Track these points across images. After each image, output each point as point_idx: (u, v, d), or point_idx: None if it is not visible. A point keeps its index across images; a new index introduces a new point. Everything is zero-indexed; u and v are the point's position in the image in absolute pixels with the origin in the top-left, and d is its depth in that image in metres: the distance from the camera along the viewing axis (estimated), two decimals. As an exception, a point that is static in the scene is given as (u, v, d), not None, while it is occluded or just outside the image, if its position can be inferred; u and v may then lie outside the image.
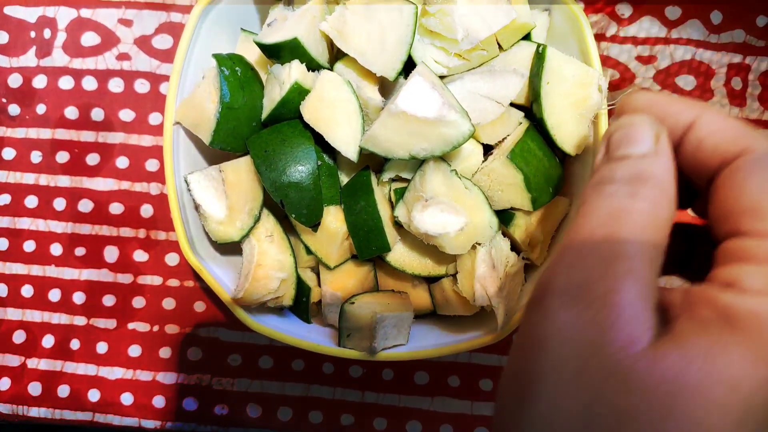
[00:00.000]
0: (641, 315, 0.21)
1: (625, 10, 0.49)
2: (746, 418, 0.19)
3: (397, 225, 0.42)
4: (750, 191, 0.22)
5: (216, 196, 0.42)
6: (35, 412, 0.52)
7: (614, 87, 0.49)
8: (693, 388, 0.19)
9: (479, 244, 0.40)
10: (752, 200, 0.22)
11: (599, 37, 0.49)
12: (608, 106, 0.40)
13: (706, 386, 0.19)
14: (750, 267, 0.21)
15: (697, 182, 0.25)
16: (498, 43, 0.40)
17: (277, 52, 0.40)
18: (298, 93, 0.40)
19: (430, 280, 0.44)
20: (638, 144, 0.24)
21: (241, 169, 0.42)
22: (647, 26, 0.49)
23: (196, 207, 0.42)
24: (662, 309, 0.22)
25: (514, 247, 0.42)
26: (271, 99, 0.41)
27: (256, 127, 0.42)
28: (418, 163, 0.40)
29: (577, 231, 0.23)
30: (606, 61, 0.49)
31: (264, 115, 0.42)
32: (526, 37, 0.41)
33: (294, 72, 0.39)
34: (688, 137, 0.24)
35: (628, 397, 0.20)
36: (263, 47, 0.40)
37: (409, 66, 0.39)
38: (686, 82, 0.49)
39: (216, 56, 0.41)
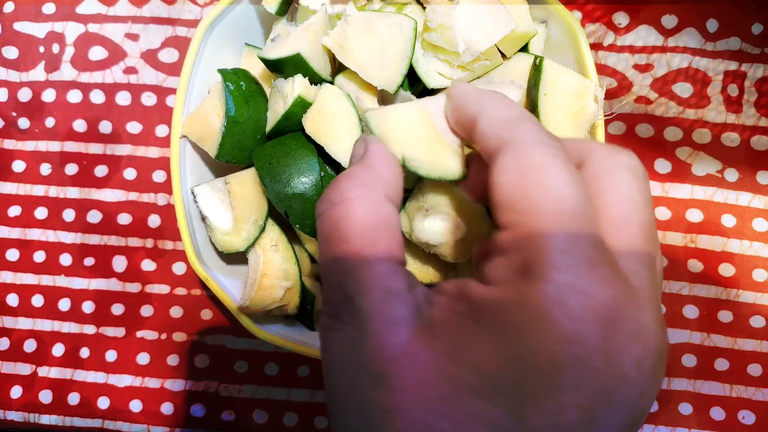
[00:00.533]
0: (388, 316, 0.23)
1: (622, 20, 0.50)
2: (494, 396, 0.21)
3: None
4: (499, 186, 0.24)
5: (222, 208, 0.43)
6: (46, 419, 0.53)
7: (612, 95, 0.50)
8: (444, 375, 0.21)
9: (480, 253, 0.41)
10: (501, 194, 0.23)
11: (596, 46, 0.50)
12: (605, 116, 0.40)
13: (454, 371, 0.21)
14: (495, 258, 0.23)
15: None
16: (500, 52, 0.41)
17: (280, 67, 0.41)
18: (301, 106, 0.41)
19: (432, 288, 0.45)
20: (354, 158, 0.29)
21: (246, 181, 0.43)
22: (644, 35, 0.50)
23: (203, 218, 0.43)
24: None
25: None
26: (275, 112, 0.42)
27: (260, 139, 0.43)
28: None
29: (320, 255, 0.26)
30: (603, 70, 0.50)
31: (268, 128, 0.43)
32: (524, 48, 0.42)
33: (297, 86, 0.40)
34: (475, 130, 0.27)
35: (383, 393, 0.22)
36: (267, 62, 0.41)
37: (411, 77, 0.40)
38: (683, 89, 0.50)
39: (221, 71, 0.42)
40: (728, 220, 0.49)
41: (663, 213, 0.49)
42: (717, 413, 0.48)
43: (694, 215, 0.49)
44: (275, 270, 0.43)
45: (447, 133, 0.37)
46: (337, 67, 0.44)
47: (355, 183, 0.26)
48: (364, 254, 0.24)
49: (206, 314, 0.52)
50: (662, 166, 0.50)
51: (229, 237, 0.42)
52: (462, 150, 0.35)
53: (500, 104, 0.26)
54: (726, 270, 0.49)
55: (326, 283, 0.25)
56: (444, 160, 0.37)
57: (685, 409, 0.49)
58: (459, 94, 0.29)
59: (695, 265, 0.49)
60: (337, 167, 0.44)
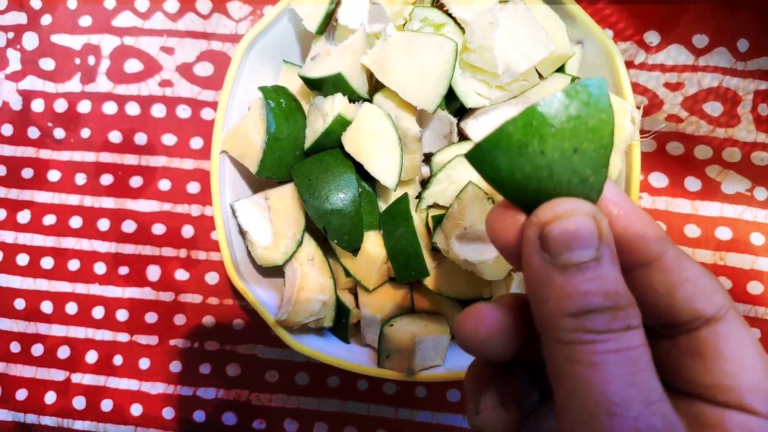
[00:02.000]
0: None
1: (653, 38, 0.50)
2: None
3: (434, 250, 0.43)
4: (748, 367, 0.22)
5: (262, 223, 0.43)
6: (80, 425, 0.54)
7: (643, 113, 0.50)
8: None
9: (515, 271, 0.41)
10: (754, 378, 0.21)
11: (628, 65, 0.50)
12: (640, 137, 0.41)
13: None
14: None
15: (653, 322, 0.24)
16: (537, 72, 0.42)
17: (320, 85, 0.42)
18: (341, 124, 0.42)
19: (465, 302, 0.46)
20: (584, 245, 0.21)
21: (285, 196, 0.43)
22: (675, 54, 0.50)
23: (242, 233, 0.44)
24: None
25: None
26: (314, 129, 0.43)
27: (299, 156, 0.44)
28: (455, 192, 0.42)
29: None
30: (634, 88, 0.50)
31: (307, 144, 0.43)
32: (560, 69, 0.43)
33: (337, 105, 0.41)
34: (655, 277, 0.22)
35: None
36: (307, 81, 0.42)
37: (449, 95, 0.41)
38: (713, 108, 0.50)
39: (262, 89, 0.43)
40: (757, 239, 0.49)
41: (692, 230, 0.50)
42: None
43: (724, 233, 0.50)
44: (312, 284, 0.44)
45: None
46: (375, 85, 0.44)
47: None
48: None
49: (238, 324, 0.53)
50: (692, 184, 0.50)
51: (268, 251, 0.43)
52: None
53: (682, 256, 0.23)
54: (755, 288, 0.49)
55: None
56: None
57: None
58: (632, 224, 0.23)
59: (724, 283, 0.49)
60: (374, 183, 0.45)
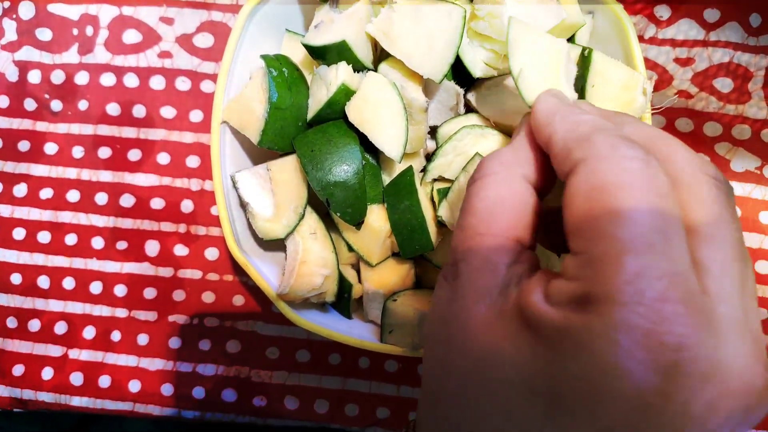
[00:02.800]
0: (478, 285, 0.25)
1: (663, 12, 0.49)
2: (528, 394, 0.22)
3: (439, 224, 0.42)
4: (569, 210, 0.23)
5: (264, 194, 0.43)
6: (77, 401, 0.54)
7: (653, 89, 0.49)
8: (495, 359, 0.23)
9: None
10: (571, 219, 0.23)
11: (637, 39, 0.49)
12: (652, 109, 0.40)
13: (499, 362, 0.23)
14: (561, 280, 0.23)
15: None
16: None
17: (324, 54, 0.41)
18: (345, 94, 0.41)
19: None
20: None
21: (287, 168, 0.42)
22: (685, 29, 0.49)
23: (243, 205, 0.43)
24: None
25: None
26: (317, 99, 0.42)
27: (302, 126, 0.43)
28: (461, 164, 0.41)
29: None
30: (644, 63, 0.49)
31: (310, 115, 0.43)
32: (571, 39, 0.42)
33: (341, 74, 0.40)
34: (551, 151, 0.26)
35: (449, 353, 0.25)
36: (311, 49, 0.41)
37: (456, 67, 0.40)
38: (723, 84, 0.49)
39: (264, 57, 0.42)
40: (766, 217, 0.49)
41: (700, 208, 0.49)
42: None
43: (732, 211, 0.49)
44: (314, 257, 0.43)
45: (566, 76, 0.37)
46: (380, 55, 0.43)
47: (495, 161, 0.27)
48: (479, 227, 0.26)
49: (238, 300, 0.53)
50: (701, 161, 0.49)
51: (270, 224, 0.42)
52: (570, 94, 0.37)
53: (572, 118, 0.25)
54: (763, 267, 0.49)
55: (451, 246, 0.27)
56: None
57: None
58: (538, 110, 0.28)
59: (731, 262, 0.49)
60: (378, 155, 0.44)
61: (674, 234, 0.21)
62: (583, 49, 0.40)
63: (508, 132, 0.41)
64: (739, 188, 0.49)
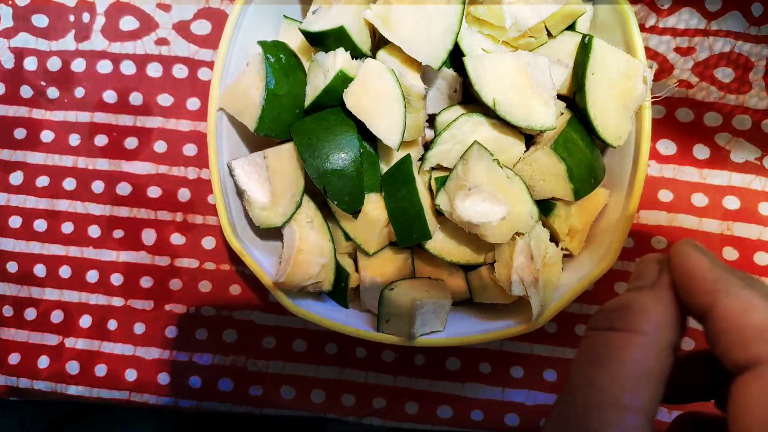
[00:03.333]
0: None
1: (664, 1, 0.49)
2: None
3: (437, 213, 0.42)
4: (749, 417, 0.21)
5: (260, 182, 0.42)
6: (73, 390, 0.54)
7: (653, 78, 0.49)
8: None
9: (519, 234, 0.40)
10: (753, 427, 0.20)
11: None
12: (652, 98, 0.40)
13: None
14: None
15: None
16: (547, 30, 0.40)
17: (321, 40, 0.40)
18: (342, 81, 0.40)
19: (467, 268, 0.45)
20: (643, 278, 0.25)
21: (284, 156, 0.42)
22: (687, 18, 0.49)
23: (239, 193, 0.43)
24: None
25: (553, 238, 0.42)
26: (314, 86, 0.41)
27: (299, 114, 0.42)
28: (459, 153, 0.41)
29: (571, 374, 0.24)
30: (644, 52, 0.49)
31: (307, 102, 0.42)
32: (571, 27, 0.41)
33: (339, 60, 0.40)
34: (710, 326, 0.23)
35: None
36: (308, 35, 0.41)
37: (455, 54, 0.40)
38: (724, 74, 0.49)
39: (261, 43, 0.41)
40: (766, 209, 0.48)
41: (699, 200, 0.49)
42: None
43: (731, 202, 0.49)
44: (311, 246, 0.43)
45: (540, 85, 0.37)
46: (378, 42, 0.43)
47: (647, 318, 0.24)
48: (623, 398, 0.23)
49: (235, 289, 0.52)
50: (701, 151, 0.49)
51: (266, 212, 0.42)
52: (554, 103, 0.38)
53: (743, 298, 0.22)
54: (762, 258, 0.48)
55: (570, 398, 0.24)
56: (534, 109, 0.38)
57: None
58: (693, 270, 0.24)
59: (731, 253, 0.48)
60: (375, 143, 0.43)
61: None
62: (584, 36, 0.40)
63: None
64: (739, 179, 0.49)
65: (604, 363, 0.23)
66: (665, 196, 0.49)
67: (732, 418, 0.21)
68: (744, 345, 0.21)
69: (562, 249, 0.42)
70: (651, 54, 0.49)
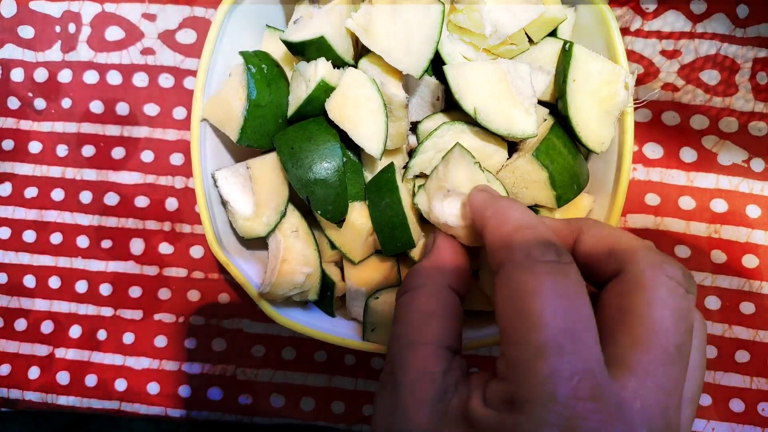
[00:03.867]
0: (418, 394, 0.26)
1: (649, 4, 0.49)
2: None
3: (422, 221, 0.42)
4: (496, 313, 0.25)
5: (243, 193, 0.42)
6: (64, 400, 0.54)
7: (639, 82, 0.49)
8: None
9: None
10: (498, 322, 0.25)
11: (623, 31, 0.49)
12: (634, 103, 0.40)
13: None
14: (494, 382, 0.25)
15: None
16: (528, 37, 0.40)
17: (303, 50, 0.40)
18: (324, 91, 0.40)
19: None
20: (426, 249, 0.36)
21: (267, 166, 0.42)
22: (672, 20, 0.49)
23: (224, 203, 0.43)
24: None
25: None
26: (297, 96, 0.41)
27: (282, 123, 0.42)
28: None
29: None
30: (630, 56, 0.49)
31: (290, 112, 0.42)
32: (552, 33, 0.41)
33: (320, 70, 0.40)
34: (578, 250, 0.28)
35: None
36: (289, 45, 0.40)
37: (436, 62, 0.39)
38: (711, 76, 0.48)
39: (243, 54, 0.41)
40: (753, 211, 0.48)
41: (687, 202, 0.49)
42: (736, 405, 0.48)
43: (719, 205, 0.48)
44: (296, 256, 0.43)
45: (521, 92, 0.37)
46: (360, 51, 0.43)
47: (422, 275, 0.31)
48: (413, 337, 0.28)
49: (224, 298, 0.52)
50: (688, 154, 0.49)
51: (250, 222, 0.42)
52: (535, 110, 0.38)
53: (499, 217, 0.28)
54: (750, 261, 0.48)
55: (386, 355, 0.29)
56: (515, 117, 0.38)
57: (705, 400, 0.48)
58: (472, 204, 0.32)
59: (719, 256, 0.48)
60: (359, 152, 0.43)
61: (583, 333, 0.23)
62: (564, 43, 0.39)
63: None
64: (726, 182, 0.49)
65: (398, 318, 0.30)
66: (652, 199, 0.49)
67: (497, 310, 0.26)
68: (492, 255, 0.27)
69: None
70: (636, 57, 0.49)
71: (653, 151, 0.49)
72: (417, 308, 0.29)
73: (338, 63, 0.41)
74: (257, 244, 0.46)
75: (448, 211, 0.39)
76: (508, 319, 0.24)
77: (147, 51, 0.53)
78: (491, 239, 0.28)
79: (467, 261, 0.32)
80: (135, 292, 0.53)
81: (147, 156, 0.53)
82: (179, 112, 0.52)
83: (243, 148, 0.44)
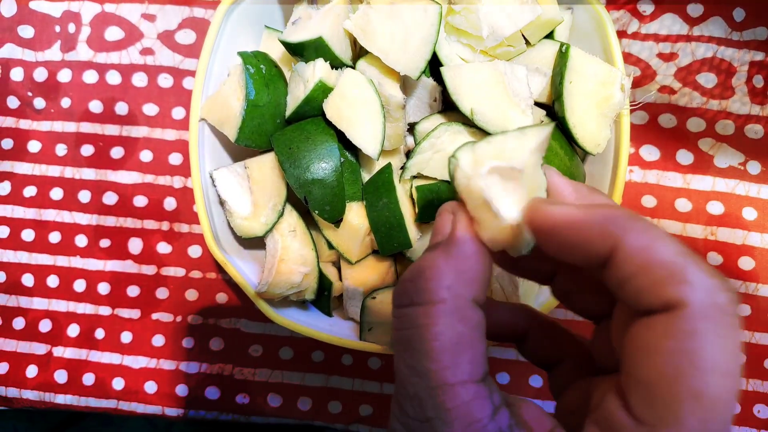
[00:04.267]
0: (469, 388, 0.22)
1: (646, 7, 0.49)
2: None
3: (418, 222, 0.42)
4: (645, 363, 0.20)
5: (241, 192, 0.42)
6: (61, 399, 0.54)
7: (635, 84, 0.49)
8: None
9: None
10: (645, 374, 0.20)
11: (620, 34, 0.49)
12: (630, 105, 0.40)
13: None
14: None
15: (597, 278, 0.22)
16: (525, 39, 0.41)
17: (301, 51, 0.41)
18: (322, 91, 0.40)
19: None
20: (438, 234, 0.25)
21: (265, 166, 0.42)
22: (669, 23, 0.49)
23: (221, 202, 0.43)
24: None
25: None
26: (295, 97, 0.42)
27: (280, 124, 0.43)
28: (439, 161, 0.41)
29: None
30: (627, 58, 0.49)
31: (288, 112, 0.42)
32: (549, 35, 0.41)
33: (318, 70, 0.40)
34: (612, 271, 0.21)
35: None
36: (288, 45, 0.41)
37: (433, 63, 0.40)
38: (707, 79, 0.49)
39: (241, 54, 0.41)
40: (749, 213, 0.48)
41: (683, 205, 0.49)
42: (732, 406, 0.48)
43: (715, 207, 0.49)
44: (293, 255, 0.43)
45: (518, 94, 0.37)
46: (358, 51, 0.43)
47: (440, 282, 0.23)
48: (447, 376, 0.22)
49: (221, 297, 0.52)
50: (684, 157, 0.49)
51: (248, 222, 0.42)
52: (531, 112, 0.37)
53: (656, 238, 0.21)
54: (746, 263, 0.48)
55: (402, 389, 0.23)
56: (511, 118, 0.38)
57: (700, 401, 0.48)
58: (566, 218, 0.22)
59: (715, 258, 0.48)
60: (357, 152, 0.44)
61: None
62: (561, 45, 0.40)
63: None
64: (723, 184, 0.49)
65: (416, 346, 0.22)
66: (649, 201, 0.49)
67: (631, 360, 0.20)
68: (656, 287, 0.20)
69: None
70: (633, 60, 0.49)
71: (650, 153, 0.49)
72: (442, 335, 0.22)
73: (336, 64, 0.41)
74: (255, 243, 0.46)
75: (504, 195, 0.29)
76: (672, 384, 0.19)
77: (146, 51, 0.53)
78: (643, 264, 0.20)
79: (491, 262, 0.24)
80: (133, 291, 0.53)
81: (146, 156, 0.53)
82: (178, 112, 0.53)
83: (241, 148, 0.44)
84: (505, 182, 0.24)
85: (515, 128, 0.25)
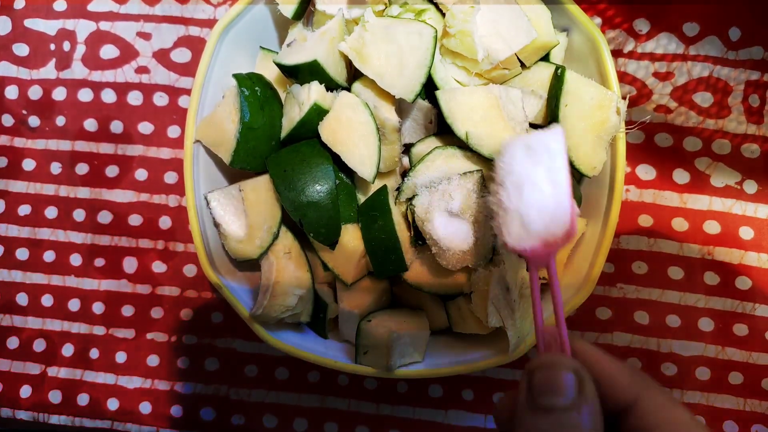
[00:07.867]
0: None
1: (642, 26, 0.49)
2: None
3: (414, 245, 0.42)
4: None
5: (236, 215, 0.42)
6: (56, 419, 0.53)
7: (631, 103, 0.49)
8: None
9: (489, 266, 0.40)
10: None
11: (616, 53, 0.49)
12: (627, 127, 0.40)
13: None
14: None
15: None
16: (520, 61, 0.40)
17: (296, 73, 0.40)
18: (317, 113, 0.40)
19: (446, 297, 0.45)
20: (561, 394, 0.24)
21: (260, 188, 0.42)
22: (665, 42, 0.49)
23: (216, 225, 0.43)
24: None
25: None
26: (290, 119, 0.41)
27: (275, 146, 0.42)
28: (436, 184, 0.41)
29: None
30: (623, 77, 0.49)
31: (283, 134, 0.42)
32: (545, 57, 0.41)
33: (313, 93, 0.40)
34: (633, 419, 0.25)
35: None
36: (283, 68, 0.41)
37: (429, 84, 0.40)
38: (703, 98, 0.49)
39: (236, 76, 0.41)
40: (746, 233, 0.48)
41: (680, 224, 0.49)
42: (730, 427, 0.48)
43: (712, 227, 0.49)
44: (288, 277, 0.43)
45: (513, 117, 0.38)
46: (354, 73, 0.43)
47: (584, 383, 0.24)
48: None
49: (216, 317, 0.52)
50: (680, 176, 0.49)
51: (242, 245, 0.42)
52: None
53: (672, 399, 0.25)
54: (743, 283, 0.48)
55: None
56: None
57: (698, 421, 0.48)
58: (608, 369, 0.26)
59: (712, 278, 0.48)
60: (352, 175, 0.43)
61: None
62: (557, 68, 0.40)
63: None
64: (719, 203, 0.49)
65: None
66: (645, 221, 0.49)
67: None
68: None
69: (539, 279, 0.42)
70: (629, 79, 0.49)
71: (646, 172, 0.49)
72: None
73: (331, 86, 0.41)
74: (250, 264, 0.46)
75: (447, 231, 0.39)
76: None
77: (141, 69, 0.53)
78: (662, 418, 0.24)
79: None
80: (128, 310, 0.53)
81: (141, 174, 0.53)
82: (173, 131, 0.52)
83: (236, 170, 0.44)
84: (449, 221, 0.37)
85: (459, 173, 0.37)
